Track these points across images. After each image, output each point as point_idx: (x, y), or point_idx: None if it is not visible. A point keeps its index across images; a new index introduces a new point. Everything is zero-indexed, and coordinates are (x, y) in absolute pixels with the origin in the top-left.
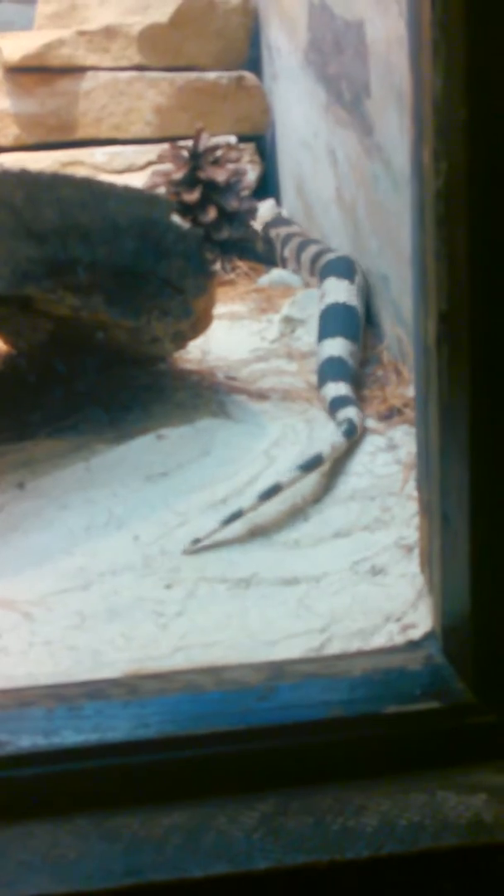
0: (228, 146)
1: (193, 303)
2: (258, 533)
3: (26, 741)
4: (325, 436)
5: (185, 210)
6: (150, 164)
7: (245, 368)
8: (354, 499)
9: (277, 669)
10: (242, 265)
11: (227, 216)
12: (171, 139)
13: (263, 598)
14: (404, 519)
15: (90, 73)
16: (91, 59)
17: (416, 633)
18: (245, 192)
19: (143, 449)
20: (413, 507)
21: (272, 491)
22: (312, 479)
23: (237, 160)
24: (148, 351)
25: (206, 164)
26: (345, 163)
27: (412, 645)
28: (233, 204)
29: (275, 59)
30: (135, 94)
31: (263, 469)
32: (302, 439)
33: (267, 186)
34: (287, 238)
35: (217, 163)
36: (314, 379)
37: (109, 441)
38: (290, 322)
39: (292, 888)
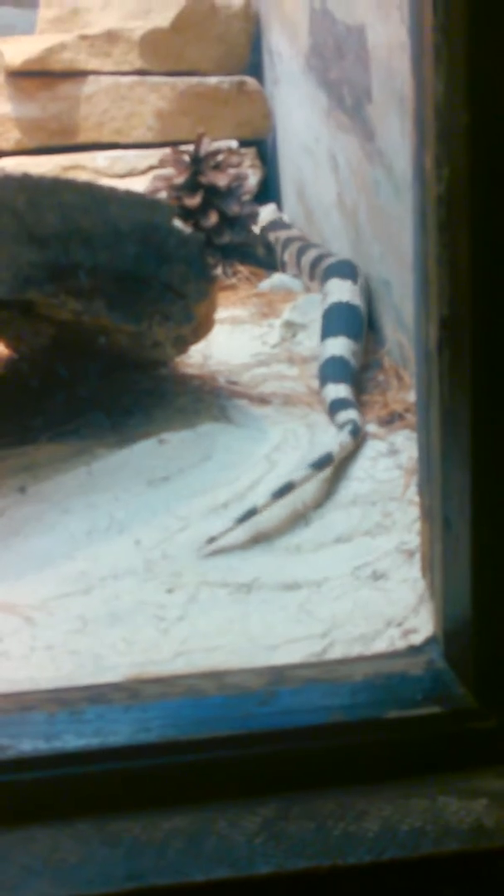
0: (230, 151)
1: (195, 307)
2: (260, 538)
3: (28, 745)
4: (327, 440)
5: (187, 214)
6: (151, 168)
7: (246, 373)
8: (356, 504)
9: (279, 674)
10: (243, 270)
11: (228, 221)
12: (173, 144)
13: (265, 603)
14: (405, 524)
15: (92, 78)
16: (93, 64)
17: (417, 638)
18: (246, 197)
19: (144, 453)
20: (414, 512)
21: (285, 489)
22: (314, 485)
23: (238, 165)
24: (149, 355)
25: (207, 168)
26: (346, 168)
27: (413, 650)
28: (234, 209)
29: (276, 64)
30: (136, 99)
31: (265, 473)
32: (303, 444)
33: (268, 191)
34: (287, 242)
35: (218, 167)
36: (315, 384)
37: (111, 445)
38: (292, 327)
39: (294, 893)
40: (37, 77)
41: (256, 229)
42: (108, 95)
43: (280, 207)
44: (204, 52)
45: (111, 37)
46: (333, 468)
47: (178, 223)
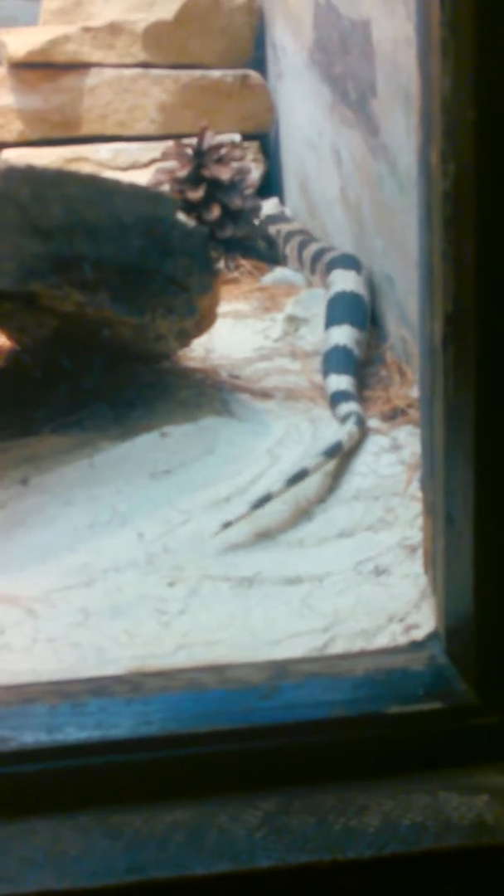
0: (232, 144)
1: (198, 301)
2: (262, 532)
3: (29, 737)
4: (330, 434)
5: (189, 208)
6: (153, 161)
7: (249, 367)
8: (358, 499)
9: (280, 668)
10: (246, 263)
11: (230, 214)
12: (176, 137)
13: (266, 598)
14: (408, 519)
15: (95, 70)
16: (96, 56)
17: (419, 634)
18: (249, 191)
19: (146, 446)
20: (416, 507)
21: (299, 476)
22: (317, 479)
23: (241, 158)
24: (152, 348)
25: (210, 162)
26: (349, 162)
27: (415, 645)
28: (236, 202)
29: (280, 58)
30: (139, 92)
31: (267, 468)
32: (306, 438)
33: (270, 185)
34: (288, 236)
35: (221, 161)
36: (318, 378)
37: (113, 438)
38: (294, 321)
39: (294, 887)
40: (40, 69)
41: (255, 222)
42: (111, 88)
43: (282, 201)
44: (207, 45)
45: (114, 29)
46: (336, 463)
47: (182, 216)
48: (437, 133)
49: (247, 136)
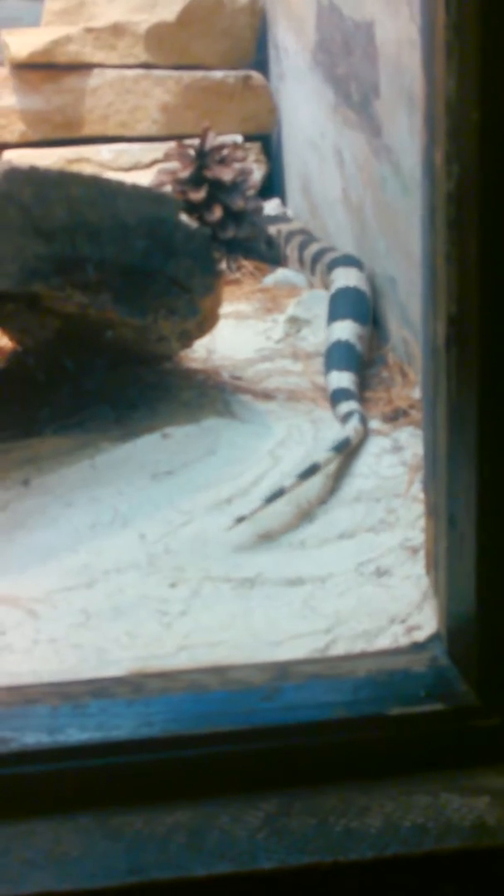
0: (234, 145)
1: (200, 302)
2: (263, 534)
3: (30, 738)
4: (332, 435)
5: (191, 209)
6: (155, 162)
7: (250, 368)
8: (360, 500)
9: (282, 670)
10: (248, 265)
11: (232, 215)
12: (178, 138)
13: (268, 599)
14: (409, 521)
15: (97, 71)
16: (98, 57)
17: (420, 635)
18: (251, 192)
19: (148, 447)
20: (418, 508)
21: (311, 470)
22: (318, 481)
23: (243, 159)
24: (154, 349)
25: (212, 162)
26: (352, 164)
27: (417, 647)
28: (238, 203)
29: (282, 59)
30: (141, 92)
31: (269, 469)
32: (307, 440)
33: (272, 186)
34: (289, 236)
35: (223, 162)
36: (320, 379)
37: (115, 439)
38: (296, 322)
39: (295, 889)
40: (42, 69)
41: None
42: (113, 88)
43: (284, 203)
44: (209, 46)
45: (117, 30)
46: (337, 465)
47: (185, 218)
48: (442, 134)
49: (249, 137)
